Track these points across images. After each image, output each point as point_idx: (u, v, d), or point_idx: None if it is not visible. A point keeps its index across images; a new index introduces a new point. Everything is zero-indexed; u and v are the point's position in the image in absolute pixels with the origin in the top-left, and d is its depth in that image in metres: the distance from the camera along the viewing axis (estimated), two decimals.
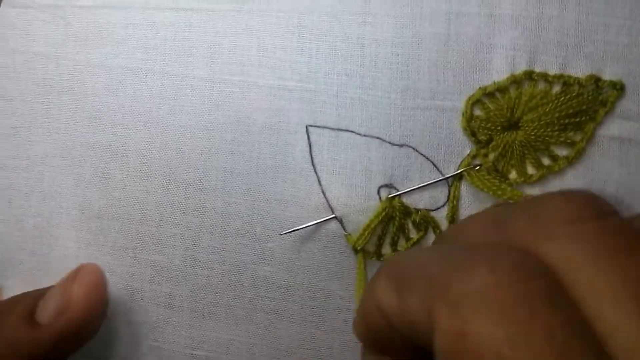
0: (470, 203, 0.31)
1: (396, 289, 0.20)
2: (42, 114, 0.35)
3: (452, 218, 0.31)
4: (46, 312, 0.31)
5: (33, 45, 0.35)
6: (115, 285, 0.34)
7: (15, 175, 0.35)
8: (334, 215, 0.31)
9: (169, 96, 0.33)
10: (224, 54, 0.33)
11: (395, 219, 0.31)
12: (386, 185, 0.31)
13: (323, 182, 0.32)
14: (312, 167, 0.32)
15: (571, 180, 0.31)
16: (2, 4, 0.35)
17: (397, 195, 0.31)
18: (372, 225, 0.31)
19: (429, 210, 0.31)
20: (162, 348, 0.35)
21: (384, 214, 0.31)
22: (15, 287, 0.35)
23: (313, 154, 0.32)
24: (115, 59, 0.34)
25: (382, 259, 0.31)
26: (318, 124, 0.32)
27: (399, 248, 0.31)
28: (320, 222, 0.31)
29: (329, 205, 0.31)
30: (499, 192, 0.30)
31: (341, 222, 0.31)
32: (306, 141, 0.32)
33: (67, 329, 0.31)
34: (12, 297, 0.33)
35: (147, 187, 0.34)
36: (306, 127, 0.32)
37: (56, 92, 0.34)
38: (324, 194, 0.32)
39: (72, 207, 0.34)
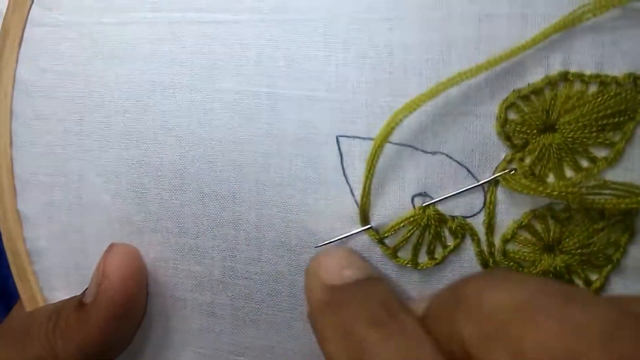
0: (507, 208, 0.31)
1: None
2: (76, 131, 0.35)
3: (489, 224, 0.31)
4: (89, 292, 0.34)
5: (62, 64, 0.35)
6: (159, 294, 0.35)
7: (54, 192, 0.36)
8: (369, 226, 0.31)
9: (198, 110, 0.33)
10: (250, 66, 0.32)
11: (430, 227, 0.31)
12: (420, 194, 0.31)
13: (356, 193, 0.31)
14: (344, 178, 0.32)
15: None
16: (28, 23, 0.36)
17: (430, 204, 0.31)
18: (399, 223, 0.31)
19: (465, 217, 0.31)
20: (206, 355, 0.35)
21: (412, 219, 0.31)
22: (60, 299, 0.37)
23: (344, 165, 0.32)
24: (144, 75, 0.34)
25: (419, 267, 0.31)
26: (348, 134, 0.31)
27: (436, 256, 0.31)
28: (354, 233, 0.31)
29: (363, 216, 0.31)
30: (541, 190, 0.29)
31: (377, 231, 0.31)
32: (337, 152, 0.32)
33: (109, 301, 0.33)
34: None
35: (182, 200, 0.34)
36: (336, 137, 0.32)
37: (88, 110, 0.35)
38: (357, 205, 0.31)
39: (112, 221, 0.35)
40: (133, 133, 0.34)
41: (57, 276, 0.37)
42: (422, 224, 0.31)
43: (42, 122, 0.35)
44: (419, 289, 0.32)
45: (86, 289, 0.34)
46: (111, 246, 0.34)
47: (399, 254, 0.31)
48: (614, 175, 0.30)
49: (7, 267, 0.37)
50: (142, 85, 0.34)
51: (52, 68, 0.35)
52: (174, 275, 0.35)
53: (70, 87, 0.35)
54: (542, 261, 0.31)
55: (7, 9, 0.36)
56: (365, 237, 0.32)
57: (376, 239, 0.31)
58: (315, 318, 0.27)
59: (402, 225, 0.31)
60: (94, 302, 0.33)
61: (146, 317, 0.36)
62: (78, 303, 0.34)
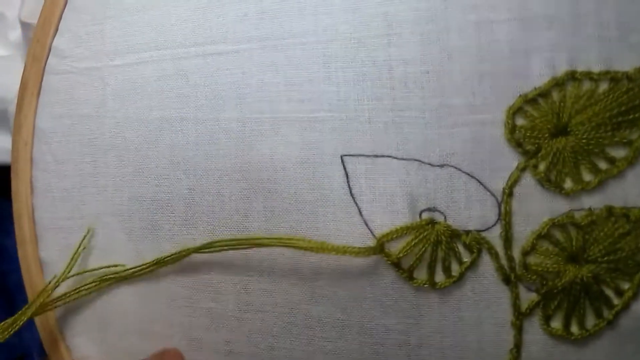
0: (524, 218, 0.29)
1: None
2: (91, 173, 0.36)
3: (507, 237, 0.29)
4: None
5: (77, 108, 0.36)
6: (175, 336, 0.34)
7: (72, 236, 0.36)
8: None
9: (204, 141, 0.33)
10: (252, 93, 0.33)
11: (442, 243, 0.29)
12: (428, 209, 0.30)
13: (364, 212, 0.30)
14: (351, 198, 0.31)
15: (633, 181, 0.28)
16: (45, 73, 0.37)
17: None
18: (410, 242, 0.30)
19: (479, 231, 0.29)
20: None
21: (421, 235, 0.29)
22: (82, 346, 0.36)
23: (351, 184, 0.31)
24: (151, 112, 0.34)
25: (437, 286, 0.30)
26: (353, 153, 0.31)
27: (453, 273, 0.30)
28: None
29: (373, 236, 0.30)
30: None
31: (382, 248, 0.30)
32: (342, 172, 0.31)
33: None
34: None
35: (194, 234, 0.34)
36: (341, 157, 0.31)
37: (102, 151, 0.35)
38: (367, 224, 0.30)
39: (126, 261, 0.35)
40: (144, 170, 0.34)
41: (77, 322, 0.36)
42: (432, 239, 0.29)
43: (60, 167, 0.36)
44: (439, 311, 0.30)
45: None
46: (163, 354, 0.34)
47: (415, 274, 0.30)
48: (636, 175, 0.28)
49: (7, 263, 0.37)
50: (151, 122, 0.34)
51: (68, 113, 0.36)
52: (189, 315, 0.34)
53: (84, 130, 0.36)
54: (567, 272, 0.28)
55: (26, 63, 0.37)
56: (376, 259, 0.30)
57: (390, 261, 0.30)
58: None
59: (413, 243, 0.29)
60: None
61: None
62: None
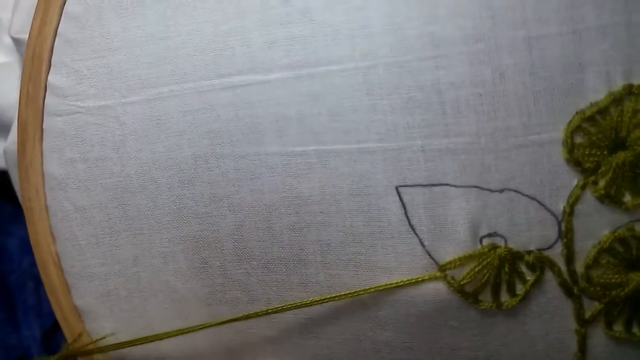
0: (584, 234, 0.29)
1: None
2: (121, 217, 0.34)
3: (569, 253, 0.30)
4: None
5: (91, 151, 0.34)
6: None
7: (109, 282, 0.35)
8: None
9: (246, 177, 0.32)
10: (292, 125, 0.31)
11: (504, 266, 0.30)
12: (490, 235, 0.30)
13: (425, 243, 0.30)
14: (410, 229, 0.30)
15: None
16: (45, 115, 0.34)
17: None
18: (473, 268, 0.30)
19: (540, 250, 0.30)
20: None
21: (484, 261, 0.30)
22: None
23: (409, 215, 0.30)
24: (182, 150, 0.32)
25: (503, 307, 0.30)
26: (408, 183, 0.30)
27: (517, 292, 0.30)
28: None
29: (437, 265, 0.30)
30: None
31: (445, 275, 0.30)
32: (399, 203, 0.30)
33: None
34: None
35: (247, 269, 0.33)
36: (396, 188, 0.30)
37: (130, 193, 0.34)
38: (429, 255, 0.30)
39: (176, 301, 0.34)
40: (182, 210, 0.33)
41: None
42: (495, 264, 0.30)
43: (82, 214, 0.34)
44: (506, 327, 0.31)
45: None
46: None
47: (480, 297, 0.30)
48: None
49: (7, 263, 0.37)
50: (183, 161, 0.32)
51: (82, 157, 0.34)
52: (249, 343, 0.34)
53: (106, 174, 0.34)
54: (630, 281, 0.29)
55: (20, 103, 0.34)
56: (440, 287, 0.30)
57: (454, 287, 0.30)
58: None
59: (476, 269, 0.30)
60: None
61: None
62: None
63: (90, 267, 0.35)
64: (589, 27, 0.28)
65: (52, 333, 0.51)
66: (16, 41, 0.41)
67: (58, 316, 0.36)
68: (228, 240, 0.33)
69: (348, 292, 0.31)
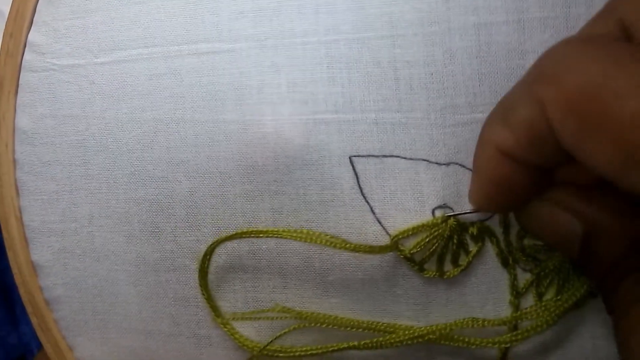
0: None
1: (502, 120, 0.25)
2: (82, 175, 0.35)
3: (505, 223, 0.32)
4: None
5: (61, 108, 0.34)
6: (182, 334, 0.35)
7: (65, 239, 0.35)
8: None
9: (203, 143, 0.33)
10: (252, 95, 0.32)
11: (453, 238, 0.32)
12: (440, 207, 0.32)
13: (376, 211, 0.32)
14: (362, 198, 0.32)
15: None
16: (22, 70, 0.35)
17: (453, 215, 0.31)
18: (424, 239, 0.31)
19: (482, 221, 0.32)
20: None
21: (435, 232, 0.31)
22: (84, 345, 0.36)
23: (361, 184, 0.32)
24: (144, 112, 0.33)
25: (445, 276, 0.32)
26: (361, 154, 0.32)
27: (460, 263, 0.32)
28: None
29: (387, 233, 0.32)
30: None
31: (397, 245, 0.32)
32: (351, 172, 0.32)
33: None
34: None
35: (198, 236, 0.34)
36: (349, 158, 0.32)
37: (92, 152, 0.34)
38: (380, 222, 0.32)
39: (127, 263, 0.35)
40: (140, 172, 0.34)
41: (77, 323, 0.36)
42: (445, 235, 0.31)
43: (47, 169, 0.35)
44: (446, 296, 0.32)
45: None
46: None
47: (425, 266, 0.32)
48: None
49: (4, 260, 0.37)
50: (145, 123, 0.33)
51: (51, 113, 0.34)
52: (195, 314, 0.35)
53: (71, 131, 0.34)
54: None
55: None
56: (388, 255, 0.32)
57: (403, 256, 0.32)
58: None
59: (427, 239, 0.31)
60: None
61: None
62: None
63: (49, 223, 0.35)
64: (532, 17, 0.30)
65: None
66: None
67: (14, 271, 0.36)
68: (181, 206, 0.34)
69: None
